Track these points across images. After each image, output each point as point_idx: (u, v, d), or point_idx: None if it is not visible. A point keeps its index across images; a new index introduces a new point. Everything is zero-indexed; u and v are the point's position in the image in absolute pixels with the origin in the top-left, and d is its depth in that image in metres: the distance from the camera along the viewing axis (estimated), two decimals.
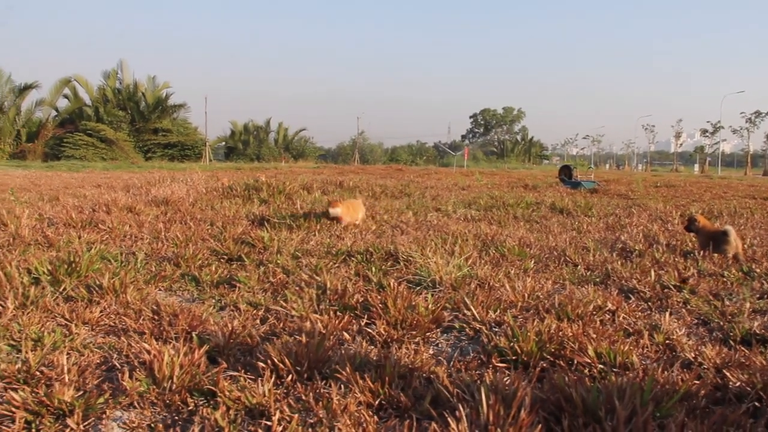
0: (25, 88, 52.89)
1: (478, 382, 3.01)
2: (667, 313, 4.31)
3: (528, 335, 3.59)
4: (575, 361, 3.40)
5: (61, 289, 4.70)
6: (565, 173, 23.76)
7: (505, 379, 3.10)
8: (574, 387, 2.74)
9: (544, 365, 3.39)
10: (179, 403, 2.88)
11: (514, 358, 3.47)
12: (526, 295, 4.70)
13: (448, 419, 2.53)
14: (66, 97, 56.83)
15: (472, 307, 4.24)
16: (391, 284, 4.77)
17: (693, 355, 3.57)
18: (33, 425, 2.69)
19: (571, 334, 3.67)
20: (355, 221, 8.38)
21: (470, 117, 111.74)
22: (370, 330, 3.88)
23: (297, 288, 4.86)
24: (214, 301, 4.72)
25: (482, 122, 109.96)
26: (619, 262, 6.08)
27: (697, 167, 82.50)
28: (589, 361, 3.38)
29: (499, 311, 4.32)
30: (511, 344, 3.55)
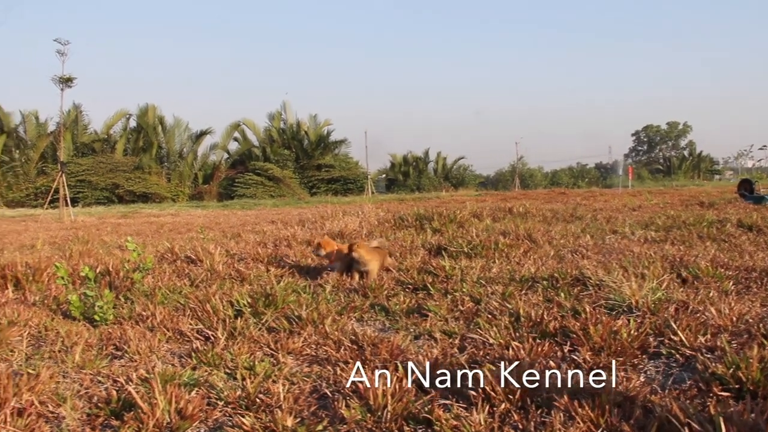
0: (201, 135, 57.07)
1: (706, 411, 2.83)
2: None
3: (750, 362, 3.34)
4: None
5: (263, 321, 4.96)
6: (746, 187, 22.31)
7: (730, 409, 2.89)
8: None
9: None
10: (397, 431, 2.93)
11: (737, 386, 3.25)
12: (734, 318, 4.40)
13: None
14: (236, 140, 60.51)
15: (679, 332, 4.02)
16: (587, 310, 4.63)
17: None
18: None
19: None
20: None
21: (632, 135, 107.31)
22: (575, 357, 3.78)
23: (489, 316, 4.83)
24: (407, 330, 4.78)
25: (645, 139, 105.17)
26: None
27: None
28: None
29: (708, 336, 4.07)
30: (732, 372, 3.32)
